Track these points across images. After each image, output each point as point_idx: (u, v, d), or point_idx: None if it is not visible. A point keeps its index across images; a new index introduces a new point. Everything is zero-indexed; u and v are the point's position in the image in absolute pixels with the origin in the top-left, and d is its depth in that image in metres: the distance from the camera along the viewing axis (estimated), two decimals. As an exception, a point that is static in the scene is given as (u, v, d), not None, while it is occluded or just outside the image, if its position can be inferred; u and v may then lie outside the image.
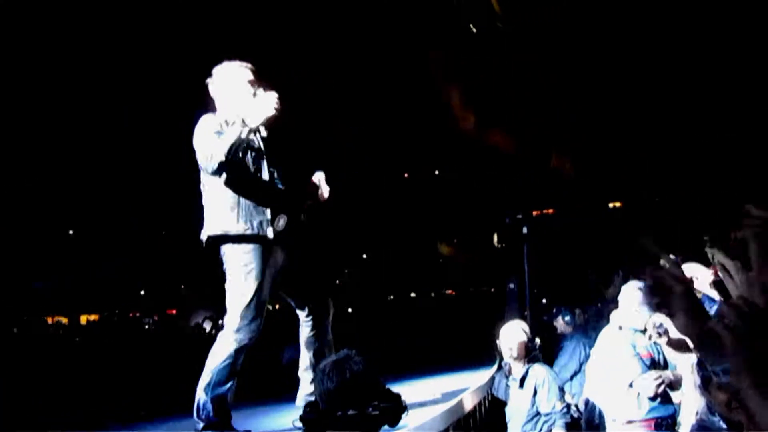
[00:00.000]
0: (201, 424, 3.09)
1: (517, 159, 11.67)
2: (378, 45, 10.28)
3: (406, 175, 16.67)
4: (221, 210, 3.21)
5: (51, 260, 18.22)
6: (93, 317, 20.62)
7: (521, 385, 4.42)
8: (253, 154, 3.27)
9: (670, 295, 1.23)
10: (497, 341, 4.61)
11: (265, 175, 3.30)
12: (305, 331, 3.47)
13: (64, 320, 19.93)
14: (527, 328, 4.60)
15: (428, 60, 10.93)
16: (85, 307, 20.45)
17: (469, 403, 4.49)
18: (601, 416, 4.40)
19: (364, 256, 21.67)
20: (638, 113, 12.20)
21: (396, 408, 1.86)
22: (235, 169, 3.17)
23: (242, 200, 3.20)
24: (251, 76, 3.35)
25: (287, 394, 3.77)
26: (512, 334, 4.49)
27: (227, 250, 3.21)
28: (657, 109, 12.08)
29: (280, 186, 3.36)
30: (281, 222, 3.25)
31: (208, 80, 3.38)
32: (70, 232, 18.24)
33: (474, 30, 8.90)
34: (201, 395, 3.10)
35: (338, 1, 9.43)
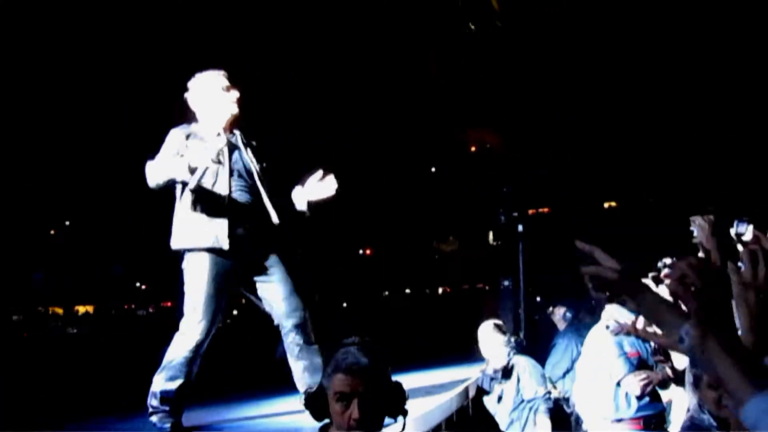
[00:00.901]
0: (150, 411, 3.15)
1: (513, 157, 11.70)
2: (377, 44, 10.27)
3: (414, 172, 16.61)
4: (181, 222, 3.25)
5: (52, 254, 18.23)
6: (88, 308, 20.66)
7: (504, 376, 4.55)
8: (214, 165, 3.18)
9: (611, 286, 1.25)
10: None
11: (223, 187, 3.25)
12: (287, 345, 3.45)
13: (59, 311, 19.98)
14: (502, 326, 4.73)
15: (426, 58, 10.93)
16: (82, 299, 20.48)
17: (461, 398, 4.55)
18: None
19: (360, 252, 21.71)
20: (635, 113, 12.23)
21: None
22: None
23: (198, 213, 3.20)
24: (226, 82, 3.35)
25: (281, 387, 3.81)
26: (485, 333, 4.67)
27: (187, 260, 3.25)
28: (653, 110, 12.12)
29: (243, 194, 3.30)
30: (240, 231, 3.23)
31: (186, 94, 3.38)
32: (67, 222, 18.21)
33: (473, 28, 8.90)
34: (154, 384, 3.17)
35: (338, 0, 9.41)
